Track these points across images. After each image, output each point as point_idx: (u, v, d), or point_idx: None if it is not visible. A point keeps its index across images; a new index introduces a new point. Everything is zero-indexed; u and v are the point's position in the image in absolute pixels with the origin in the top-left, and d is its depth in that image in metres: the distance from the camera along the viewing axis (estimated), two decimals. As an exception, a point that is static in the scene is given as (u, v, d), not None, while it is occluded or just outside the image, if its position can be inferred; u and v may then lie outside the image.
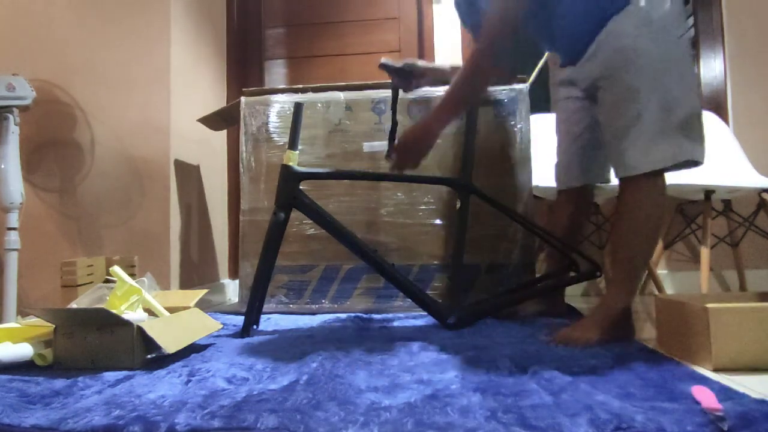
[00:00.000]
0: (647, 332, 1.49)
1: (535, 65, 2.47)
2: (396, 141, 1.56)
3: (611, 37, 1.33)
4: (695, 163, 1.31)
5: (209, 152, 2.53)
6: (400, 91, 1.71)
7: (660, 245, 2.33)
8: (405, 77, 1.68)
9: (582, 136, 1.54)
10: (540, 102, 2.66)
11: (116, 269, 1.40)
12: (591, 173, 1.57)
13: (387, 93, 2.03)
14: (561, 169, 1.63)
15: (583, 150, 1.55)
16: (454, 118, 1.58)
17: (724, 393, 0.87)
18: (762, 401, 0.81)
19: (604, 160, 1.54)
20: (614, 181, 1.42)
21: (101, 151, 2.16)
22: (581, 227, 1.71)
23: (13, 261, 1.87)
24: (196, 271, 2.35)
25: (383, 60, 1.68)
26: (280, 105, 2.06)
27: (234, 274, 2.69)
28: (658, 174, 1.30)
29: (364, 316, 1.82)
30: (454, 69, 1.66)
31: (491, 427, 0.75)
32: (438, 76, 1.69)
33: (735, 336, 1.07)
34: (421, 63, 1.69)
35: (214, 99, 2.60)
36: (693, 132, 1.30)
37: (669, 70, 1.28)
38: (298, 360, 1.17)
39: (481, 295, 1.85)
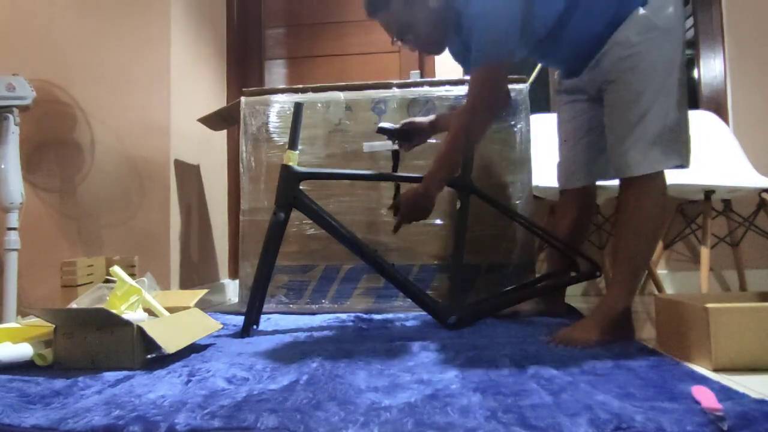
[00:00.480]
0: (647, 332, 1.49)
1: (535, 65, 2.47)
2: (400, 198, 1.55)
3: (616, 47, 1.33)
4: (680, 166, 1.32)
5: (209, 152, 2.53)
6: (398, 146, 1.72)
7: (660, 245, 2.33)
8: (405, 137, 1.69)
9: (584, 138, 1.54)
10: (540, 102, 2.67)
11: (116, 269, 1.40)
12: (593, 174, 1.57)
13: (387, 93, 2.05)
14: (563, 170, 1.63)
15: (585, 151, 1.55)
16: (451, 177, 1.57)
17: (724, 393, 0.87)
18: (762, 401, 0.81)
19: (605, 162, 1.54)
20: (615, 180, 1.42)
21: (101, 151, 2.16)
22: (584, 227, 1.71)
23: (13, 261, 1.87)
24: (196, 271, 2.35)
25: (381, 124, 1.70)
26: (280, 105, 2.06)
27: (234, 274, 2.69)
28: (659, 174, 1.31)
29: (364, 316, 1.82)
30: (443, 117, 1.68)
31: (491, 427, 0.75)
32: (438, 127, 1.69)
33: (735, 336, 1.07)
34: (418, 120, 1.70)
35: (214, 99, 2.60)
36: (683, 135, 1.31)
37: (671, 72, 1.29)
38: (298, 360, 1.17)
39: (481, 295, 1.85)
